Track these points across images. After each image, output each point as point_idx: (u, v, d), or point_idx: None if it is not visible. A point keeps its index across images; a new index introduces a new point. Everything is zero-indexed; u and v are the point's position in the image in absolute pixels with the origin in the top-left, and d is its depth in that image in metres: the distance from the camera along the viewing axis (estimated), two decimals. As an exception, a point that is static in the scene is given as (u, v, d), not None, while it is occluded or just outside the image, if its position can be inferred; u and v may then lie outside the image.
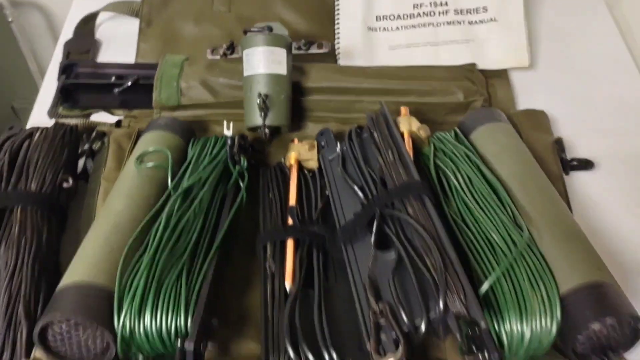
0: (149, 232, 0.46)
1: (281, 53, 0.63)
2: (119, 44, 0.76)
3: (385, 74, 0.68)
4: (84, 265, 0.44)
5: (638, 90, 0.72)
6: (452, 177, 0.53)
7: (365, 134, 0.59)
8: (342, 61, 0.73)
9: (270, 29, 0.64)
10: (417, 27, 0.74)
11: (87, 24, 0.78)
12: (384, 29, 0.75)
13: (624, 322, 0.41)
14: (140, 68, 0.70)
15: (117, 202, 0.50)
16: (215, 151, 0.56)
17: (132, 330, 0.41)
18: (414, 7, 0.75)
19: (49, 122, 0.65)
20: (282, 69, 0.63)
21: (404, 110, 0.60)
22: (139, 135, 0.62)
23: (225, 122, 0.55)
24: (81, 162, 0.62)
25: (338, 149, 0.59)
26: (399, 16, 0.75)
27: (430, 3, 0.75)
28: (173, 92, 0.66)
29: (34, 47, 1.06)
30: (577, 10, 0.82)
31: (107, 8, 0.77)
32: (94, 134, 0.61)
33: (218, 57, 0.68)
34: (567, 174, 0.62)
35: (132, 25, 0.77)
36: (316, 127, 0.67)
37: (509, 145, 0.56)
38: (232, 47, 0.66)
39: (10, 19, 0.97)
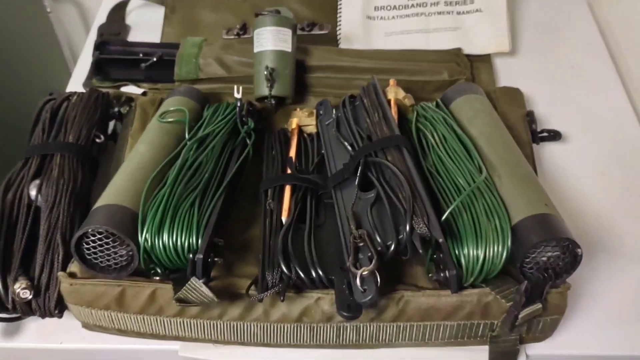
0: (168, 170, 0.55)
1: (287, 32, 0.72)
2: (146, 28, 0.86)
3: (379, 56, 0.77)
4: (113, 193, 0.52)
5: (609, 77, 0.79)
6: (429, 136, 0.61)
7: (357, 101, 0.67)
8: (343, 45, 0.82)
9: (277, 12, 0.73)
10: (411, 17, 0.83)
11: (119, 10, 0.88)
12: (381, 17, 0.84)
13: (565, 246, 0.49)
14: (164, 47, 0.79)
15: (141, 147, 0.59)
16: (227, 112, 0.65)
17: (152, 244, 0.49)
18: (407, -1, 0.84)
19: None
20: (287, 46, 0.72)
21: (392, 81, 0.68)
22: (161, 102, 0.71)
23: (235, 87, 0.64)
24: (111, 125, 0.71)
25: (334, 115, 0.67)
26: (394, 7, 0.84)
27: (423, -5, 0.84)
28: (192, 67, 0.75)
29: (67, 37, 1.17)
30: (559, 5, 0.90)
31: (136, -3, 0.88)
32: (123, 98, 0.71)
33: (232, 37, 0.77)
34: (537, 143, 0.69)
35: (158, 12, 0.86)
36: (317, 101, 0.75)
37: (481, 111, 0.64)
38: (244, 28, 0.76)
39: (49, 10, 1.08)
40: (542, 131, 0.70)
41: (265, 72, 0.70)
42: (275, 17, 0.72)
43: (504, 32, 0.81)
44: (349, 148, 0.60)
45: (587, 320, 0.56)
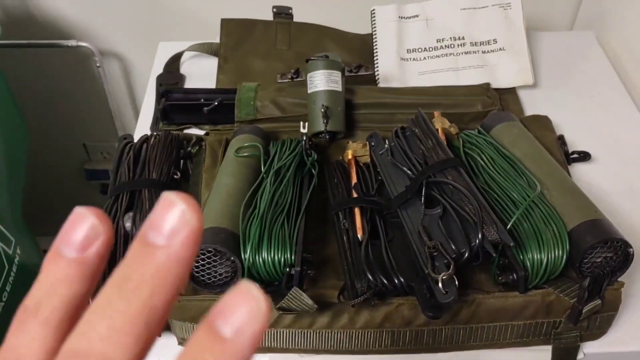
0: (255, 197, 0.62)
1: (337, 74, 0.81)
2: (201, 77, 0.95)
3: (417, 92, 0.85)
4: (212, 217, 0.59)
5: (626, 104, 0.88)
6: (478, 158, 0.68)
7: (408, 132, 0.75)
8: (381, 84, 0.90)
9: (327, 56, 0.82)
10: (441, 57, 0.92)
11: (174, 61, 0.96)
12: (414, 59, 0.93)
13: (617, 246, 0.55)
14: (222, 92, 0.87)
15: (224, 179, 0.66)
16: (292, 147, 0.73)
17: (253, 261, 0.56)
18: (437, 41, 0.93)
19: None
20: (338, 86, 0.80)
21: (436, 113, 0.76)
22: (227, 142, 0.79)
23: (301, 123, 0.72)
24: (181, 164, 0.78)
25: (387, 145, 0.75)
26: (425, 49, 0.93)
27: (450, 38, 0.93)
28: (250, 109, 0.83)
29: (113, 91, 1.26)
30: (571, 41, 1.00)
31: (190, 48, 0.97)
32: (193, 139, 0.78)
33: (287, 80, 0.85)
34: (569, 164, 0.77)
35: (210, 62, 0.95)
36: (364, 135, 0.82)
37: (520, 135, 0.72)
38: (297, 72, 0.84)
39: (98, 65, 1.17)
40: (573, 153, 0.78)
41: (322, 110, 0.78)
42: (326, 61, 0.80)
43: (527, 67, 0.90)
44: (409, 172, 0.67)
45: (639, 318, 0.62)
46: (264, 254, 0.56)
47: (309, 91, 0.81)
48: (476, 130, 0.75)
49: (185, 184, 0.76)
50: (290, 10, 0.98)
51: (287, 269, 0.55)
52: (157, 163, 0.72)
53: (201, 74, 0.95)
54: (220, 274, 0.56)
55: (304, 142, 0.72)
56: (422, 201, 0.62)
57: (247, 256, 0.55)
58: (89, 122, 1.37)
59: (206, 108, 0.84)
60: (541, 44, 0.99)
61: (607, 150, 0.80)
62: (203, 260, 0.55)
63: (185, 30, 1.15)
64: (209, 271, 0.55)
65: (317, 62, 0.81)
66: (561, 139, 0.78)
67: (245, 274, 0.56)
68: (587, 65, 0.95)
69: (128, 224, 0.65)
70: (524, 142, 0.71)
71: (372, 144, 0.78)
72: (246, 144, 0.71)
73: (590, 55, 0.98)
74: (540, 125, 0.80)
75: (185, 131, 0.86)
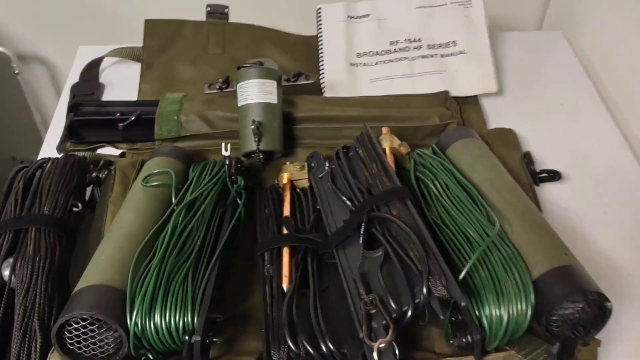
0: (157, 240, 0.50)
1: (272, 84, 0.70)
2: (122, 86, 0.83)
3: (366, 103, 0.75)
4: (98, 270, 0.48)
5: (598, 112, 0.79)
6: (431, 185, 0.58)
7: (352, 152, 0.64)
8: (327, 93, 0.79)
9: (261, 63, 0.71)
10: (394, 62, 0.82)
11: (92, 69, 0.84)
12: (364, 64, 0.82)
13: (592, 300, 0.45)
14: (142, 105, 0.76)
15: (126, 215, 0.54)
16: (214, 171, 0.61)
17: (143, 327, 0.44)
18: (390, 44, 0.83)
19: (57, 156, 0.70)
20: (273, 98, 0.69)
21: (385, 129, 0.66)
22: (142, 164, 0.67)
23: (223, 144, 0.60)
24: (88, 191, 0.67)
25: (327, 167, 0.64)
26: (377, 52, 0.83)
27: (405, 40, 0.83)
28: (173, 125, 0.72)
29: (37, 99, 1.13)
30: (540, 44, 0.91)
31: (111, 53, 0.84)
32: (101, 162, 0.66)
33: (215, 91, 0.74)
34: (537, 184, 0.67)
35: (133, 69, 0.83)
36: (306, 153, 0.72)
37: (480, 155, 0.61)
38: (227, 82, 0.73)
39: (17, 72, 1.03)
40: (541, 172, 0.68)
41: (253, 126, 0.67)
42: (259, 69, 0.69)
43: (490, 73, 0.80)
44: (349, 203, 0.57)
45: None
46: (157, 318, 0.45)
47: (238, 104, 0.70)
48: (430, 149, 0.65)
49: (92, 214, 0.64)
50: (226, 10, 0.87)
51: (187, 337, 0.44)
52: (51, 194, 0.60)
53: (123, 82, 0.83)
54: (103, 345, 0.45)
55: (227, 167, 0.60)
56: (361, 241, 0.51)
57: (135, 322, 0.44)
58: (15, 133, 1.23)
59: (121, 124, 0.72)
60: (505, 46, 0.89)
61: (578, 167, 0.71)
62: (78, 330, 0.43)
63: (111, 32, 1.02)
64: (86, 342, 0.44)
65: (248, 71, 0.69)
66: (527, 157, 0.68)
67: (134, 345, 0.44)
68: (556, 69, 0.86)
69: (6, 273, 0.53)
70: (484, 164, 0.60)
71: (312, 165, 0.67)
72: (155, 170, 0.60)
73: (559, 57, 0.88)
74: (504, 141, 0.70)
75: (99, 151, 0.74)
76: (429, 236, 0.48)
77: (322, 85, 0.80)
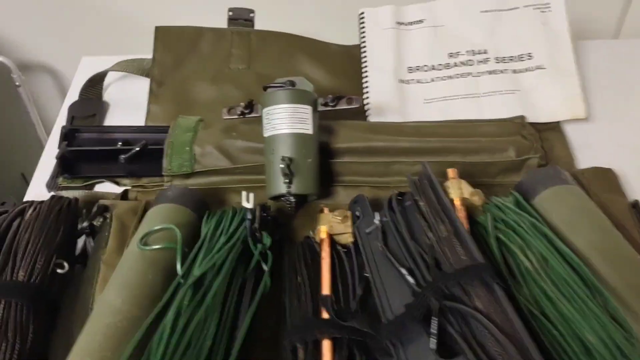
0: (151, 339, 0.37)
1: (306, 110, 0.56)
2: (128, 106, 0.70)
3: (422, 131, 0.60)
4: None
5: None
6: (520, 255, 0.43)
7: (408, 201, 0.50)
8: (373, 118, 0.65)
9: (292, 83, 0.57)
10: (454, 78, 0.67)
11: (94, 85, 0.72)
12: (417, 81, 0.68)
13: None
14: (149, 131, 0.63)
15: (114, 295, 0.41)
16: (232, 228, 0.48)
17: None
18: (449, 56, 0.68)
19: (47, 196, 0.58)
20: (307, 128, 0.56)
21: (451, 172, 0.51)
22: (145, 210, 0.54)
23: (243, 194, 0.47)
24: (80, 242, 0.54)
25: (377, 220, 0.50)
26: (433, 67, 0.68)
27: (468, 51, 0.68)
28: (186, 158, 0.59)
29: (44, 113, 1.02)
30: (623, 55, 0.74)
31: (116, 67, 0.72)
32: (94, 209, 0.53)
33: (235, 117, 0.60)
34: (650, 243, 0.52)
35: (142, 85, 0.70)
36: (347, 194, 0.58)
37: (581, 209, 0.46)
38: (251, 106, 0.59)
39: (17, 83, 0.92)
40: (654, 226, 0.53)
41: (282, 165, 0.53)
42: (290, 92, 0.56)
43: (576, 93, 0.64)
44: (410, 279, 0.42)
45: None
46: None
47: (264, 134, 0.56)
48: (511, 197, 0.50)
49: (83, 273, 0.52)
50: (251, 15, 0.73)
51: None
52: (28, 253, 0.48)
53: (130, 101, 0.71)
54: None
55: (249, 223, 0.47)
56: (432, 345, 0.37)
57: None
58: (23, 148, 1.12)
59: (123, 156, 0.59)
60: (591, 60, 0.73)
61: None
62: None
63: (122, 39, 0.90)
64: None
65: (276, 93, 0.56)
66: (636, 206, 0.53)
67: None
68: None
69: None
70: (587, 222, 0.45)
71: (357, 214, 0.53)
72: (157, 227, 0.46)
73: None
74: (604, 184, 0.55)
75: (97, 188, 0.61)
76: (533, 347, 0.34)
77: (366, 108, 0.66)
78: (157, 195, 0.54)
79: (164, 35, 0.70)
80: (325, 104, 0.57)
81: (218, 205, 0.56)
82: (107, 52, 0.76)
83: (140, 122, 0.67)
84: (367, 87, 0.67)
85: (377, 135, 0.60)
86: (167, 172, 0.59)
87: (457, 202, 0.48)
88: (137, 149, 0.59)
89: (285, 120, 0.55)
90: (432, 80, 0.67)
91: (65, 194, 0.58)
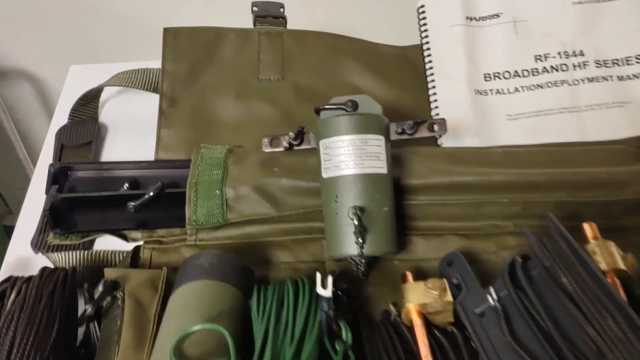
0: None
1: (378, 142, 0.42)
2: (132, 131, 0.56)
3: (517, 159, 0.47)
4: None
5: None
6: None
7: (536, 269, 0.36)
8: (446, 141, 0.51)
9: (355, 105, 0.43)
10: (545, 87, 0.53)
11: (87, 104, 0.57)
12: (498, 91, 0.54)
13: None
14: (163, 167, 0.49)
15: None
16: (300, 320, 0.34)
17: None
18: (536, 59, 0.54)
19: (32, 258, 0.44)
20: (381, 165, 0.42)
21: (588, 227, 0.38)
22: (169, 280, 0.40)
23: (318, 276, 0.33)
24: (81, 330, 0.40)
25: (491, 298, 0.36)
26: (516, 73, 0.54)
27: (560, 53, 0.54)
28: (215, 204, 0.45)
29: (25, 126, 0.87)
30: None
31: (114, 81, 0.57)
32: (100, 287, 0.39)
33: (280, 149, 0.46)
34: None
35: (149, 103, 0.56)
36: (428, 245, 0.45)
37: None
38: (301, 135, 0.45)
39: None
40: None
41: (351, 217, 0.39)
42: (357, 118, 0.42)
43: None
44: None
45: None
46: None
47: (323, 174, 0.42)
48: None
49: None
50: (281, 10, 0.59)
51: None
52: (19, 352, 0.34)
53: (135, 125, 0.56)
54: None
55: (324, 316, 0.33)
56: None
57: None
58: (1, 167, 0.97)
59: (133, 204, 0.45)
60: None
61: None
62: None
63: (121, 42, 0.75)
64: None
65: (337, 121, 0.42)
66: None
67: None
68: None
69: None
70: None
71: (455, 282, 0.40)
72: (195, 328, 0.32)
73: None
74: None
75: (97, 246, 0.47)
76: None
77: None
78: (184, 265, 0.39)
79: (174, 39, 0.55)
80: (402, 132, 0.43)
81: (256, 266, 0.42)
82: (101, 59, 0.61)
83: (149, 150, 0.52)
84: (435, 100, 0.53)
85: (461, 166, 0.46)
86: (191, 224, 0.44)
87: (608, 273, 0.35)
88: (151, 194, 0.45)
89: (352, 156, 0.41)
90: (517, 90, 0.54)
91: (56, 256, 0.44)
